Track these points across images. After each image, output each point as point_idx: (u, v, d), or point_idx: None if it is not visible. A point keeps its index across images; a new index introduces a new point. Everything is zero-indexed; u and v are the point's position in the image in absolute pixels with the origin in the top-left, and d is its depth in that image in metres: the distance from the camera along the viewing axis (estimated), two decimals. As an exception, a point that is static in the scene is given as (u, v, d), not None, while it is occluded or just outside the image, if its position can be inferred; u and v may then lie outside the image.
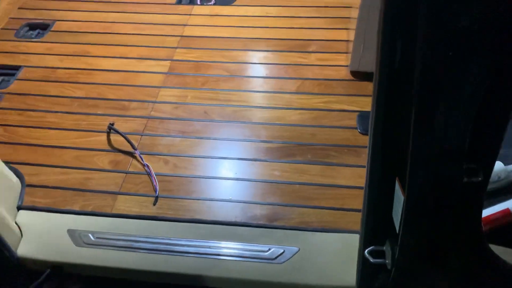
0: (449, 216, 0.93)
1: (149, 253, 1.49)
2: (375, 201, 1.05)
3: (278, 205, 1.59)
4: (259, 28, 2.34)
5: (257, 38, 2.28)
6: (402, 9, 0.72)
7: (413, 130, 0.78)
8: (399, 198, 0.93)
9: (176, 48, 2.25)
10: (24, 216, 1.60)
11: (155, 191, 1.65)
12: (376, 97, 0.86)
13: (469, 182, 0.83)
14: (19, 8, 2.58)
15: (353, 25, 2.13)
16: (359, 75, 2.02)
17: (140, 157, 1.75)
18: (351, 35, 2.13)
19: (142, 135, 1.85)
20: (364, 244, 1.17)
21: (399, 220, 0.96)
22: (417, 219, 0.93)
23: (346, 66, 2.08)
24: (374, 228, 1.13)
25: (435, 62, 0.71)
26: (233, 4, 2.51)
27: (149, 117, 1.92)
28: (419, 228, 0.96)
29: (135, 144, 1.79)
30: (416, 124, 0.77)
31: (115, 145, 1.82)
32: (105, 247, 1.51)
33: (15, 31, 2.42)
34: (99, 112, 1.95)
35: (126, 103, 1.98)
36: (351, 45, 2.10)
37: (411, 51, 0.72)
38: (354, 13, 2.12)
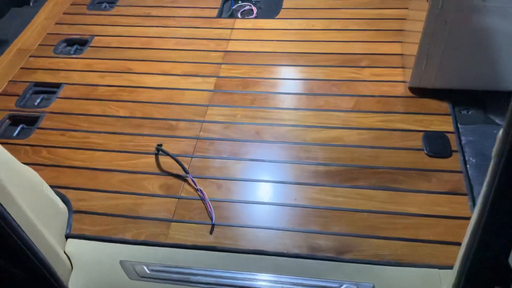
0: None
1: (209, 287, 1.38)
2: (488, 239, 0.93)
3: (345, 235, 1.47)
4: (306, 42, 2.23)
5: (304, 53, 2.18)
6: None
7: None
8: None
9: (221, 64, 2.15)
10: (73, 246, 1.51)
11: (211, 218, 1.54)
12: None
13: None
14: (56, 24, 2.52)
15: (407, 38, 2.02)
16: (418, 91, 1.90)
17: (193, 181, 1.65)
18: (406, 49, 2.02)
19: (192, 157, 1.75)
20: (462, 286, 1.05)
21: None
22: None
23: (404, 81, 1.96)
24: (479, 270, 1.00)
25: None
26: (275, 17, 2.41)
27: (198, 138, 1.82)
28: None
29: (186, 167, 1.69)
30: None
31: (165, 168, 1.72)
32: (161, 280, 1.41)
33: (53, 47, 2.35)
34: (145, 132, 1.86)
35: (173, 122, 1.89)
36: (407, 59, 1.99)
37: None
38: (409, 26, 2.01)
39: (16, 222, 1.24)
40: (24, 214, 1.27)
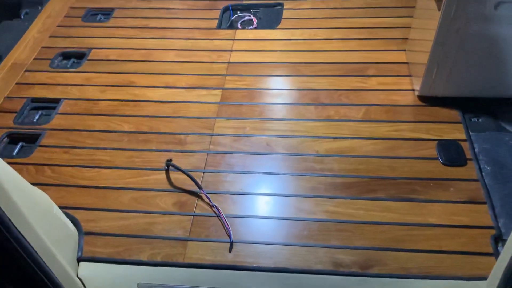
0: None
1: (232, 309, 1.34)
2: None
3: (368, 249, 1.44)
4: (309, 52, 2.22)
5: (308, 63, 2.16)
6: None
7: None
8: None
9: (225, 75, 2.11)
10: (86, 269, 1.44)
11: (229, 236, 1.50)
12: None
13: None
14: (50, 37, 2.45)
15: (414, 46, 2.02)
16: (428, 100, 1.89)
17: (207, 197, 1.60)
18: (413, 57, 2.02)
19: (204, 172, 1.71)
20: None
21: None
22: None
23: (412, 90, 1.95)
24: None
25: None
26: (276, 27, 2.39)
27: (209, 152, 1.78)
28: None
29: (199, 182, 1.64)
30: None
31: (177, 184, 1.67)
32: (182, 303, 1.35)
33: (49, 61, 2.28)
34: (153, 148, 1.81)
35: (182, 136, 1.84)
36: (414, 68, 1.99)
37: None
38: (416, 34, 2.01)
39: (32, 247, 1.18)
40: (39, 238, 1.21)
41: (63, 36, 2.44)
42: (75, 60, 2.31)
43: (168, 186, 1.67)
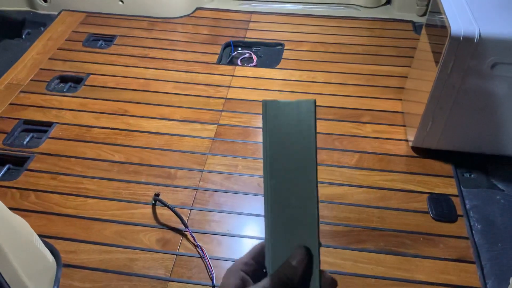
0: None
1: None
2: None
3: (353, 302, 1.41)
4: (308, 94, 2.23)
5: (305, 104, 2.16)
6: None
7: None
8: None
9: (221, 111, 2.11)
10: (61, 304, 1.39)
11: (212, 279, 1.46)
12: None
13: None
14: (49, 59, 2.45)
15: (410, 96, 2.04)
16: (421, 152, 1.89)
17: (192, 236, 1.57)
18: (409, 108, 2.03)
19: (191, 209, 1.67)
20: None
21: None
22: None
23: (406, 140, 1.96)
24: None
25: None
26: (276, 67, 2.41)
27: (198, 188, 1.75)
28: None
29: (185, 219, 1.61)
30: None
31: (162, 220, 1.64)
32: None
33: (46, 83, 2.27)
34: (142, 180, 1.78)
35: (172, 170, 1.82)
36: (409, 118, 2.00)
37: None
38: (412, 85, 2.03)
39: (5, 280, 1.14)
40: (14, 270, 1.17)
41: (62, 59, 2.45)
42: (72, 84, 2.30)
43: (153, 222, 1.63)
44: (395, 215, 1.66)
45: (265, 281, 0.43)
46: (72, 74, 2.35)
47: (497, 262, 1.51)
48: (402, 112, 2.10)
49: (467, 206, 1.69)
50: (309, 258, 0.44)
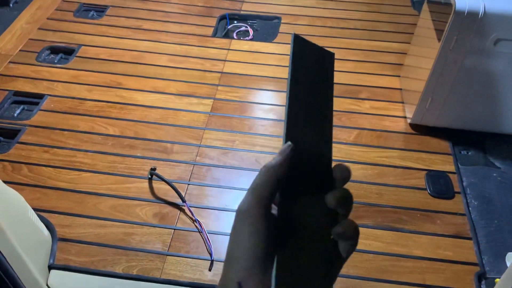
0: None
1: (208, 331, 1.28)
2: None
3: (352, 277, 1.41)
4: (304, 69, 2.19)
5: (302, 80, 2.13)
6: None
7: None
8: None
9: (217, 85, 2.07)
10: (57, 278, 1.37)
11: (210, 254, 1.45)
12: None
13: None
14: (39, 29, 2.37)
15: (409, 73, 2.02)
16: (419, 129, 1.89)
17: (190, 210, 1.55)
18: (408, 85, 2.01)
19: (188, 184, 1.65)
20: None
21: None
22: None
23: (404, 117, 1.94)
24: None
25: None
26: (273, 41, 2.36)
27: (195, 163, 1.72)
28: None
29: (182, 194, 1.59)
30: None
31: (159, 195, 1.61)
32: (156, 322, 1.29)
33: (36, 54, 2.20)
34: (137, 154, 1.75)
35: (168, 145, 1.79)
36: (408, 95, 1.98)
37: None
38: (412, 62, 2.01)
39: (1, 253, 1.11)
40: (10, 243, 1.14)
41: (52, 29, 2.37)
42: (63, 56, 2.23)
43: (150, 196, 1.61)
44: (393, 192, 1.66)
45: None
46: (63, 45, 2.27)
47: (493, 238, 1.52)
48: (401, 89, 2.08)
49: (464, 183, 1.69)
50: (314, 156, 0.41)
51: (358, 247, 1.43)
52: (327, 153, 0.42)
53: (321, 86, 0.45)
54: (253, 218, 0.38)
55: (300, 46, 0.46)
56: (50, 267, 1.39)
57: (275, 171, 0.39)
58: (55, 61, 2.19)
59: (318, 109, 0.44)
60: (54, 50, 2.26)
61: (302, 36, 0.46)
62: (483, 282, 1.42)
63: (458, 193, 1.66)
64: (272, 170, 0.39)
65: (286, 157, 0.39)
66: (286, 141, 0.41)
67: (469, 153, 1.81)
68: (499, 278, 1.20)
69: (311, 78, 0.44)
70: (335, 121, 1.93)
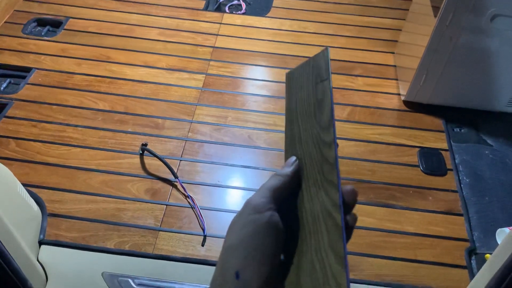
0: None
1: (201, 305, 1.28)
2: None
3: (344, 252, 1.41)
4: (298, 45, 2.16)
5: (296, 56, 2.10)
6: None
7: None
8: None
9: (209, 60, 2.03)
10: (48, 253, 1.36)
11: (203, 229, 1.44)
12: None
13: None
14: (24, 0, 2.29)
15: (404, 50, 2.00)
16: (413, 106, 1.88)
17: (182, 186, 1.54)
18: (402, 61, 1.99)
19: (180, 160, 1.63)
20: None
21: None
22: None
23: (398, 94, 1.93)
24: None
25: None
26: (266, 15, 2.32)
27: (187, 139, 1.70)
28: None
29: (174, 170, 1.57)
30: None
31: (151, 170, 1.59)
32: (149, 296, 1.29)
33: (22, 26, 2.14)
34: (128, 130, 1.72)
35: (159, 120, 1.76)
36: (402, 72, 1.97)
37: None
38: (407, 38, 1.98)
39: (-10, 229, 1.09)
40: (0, 220, 1.12)
41: (38, 1, 2.29)
42: (51, 28, 2.17)
43: (141, 172, 1.59)
44: (386, 168, 1.66)
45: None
46: (50, 17, 2.21)
47: (484, 215, 1.54)
48: (394, 66, 2.07)
49: (457, 161, 1.70)
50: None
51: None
52: (329, 155, 0.44)
53: (318, 97, 0.47)
54: (262, 211, 0.41)
55: (293, 80, 0.51)
56: (41, 243, 1.37)
57: (286, 177, 0.45)
58: (42, 34, 2.13)
59: (315, 113, 0.47)
60: (41, 22, 2.19)
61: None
62: (473, 257, 1.44)
63: (451, 170, 1.66)
64: (284, 176, 0.45)
65: (294, 169, 0.45)
66: (286, 155, 0.48)
67: (462, 130, 1.81)
68: (489, 253, 1.21)
69: (307, 95, 0.48)
70: (329, 97, 1.91)
